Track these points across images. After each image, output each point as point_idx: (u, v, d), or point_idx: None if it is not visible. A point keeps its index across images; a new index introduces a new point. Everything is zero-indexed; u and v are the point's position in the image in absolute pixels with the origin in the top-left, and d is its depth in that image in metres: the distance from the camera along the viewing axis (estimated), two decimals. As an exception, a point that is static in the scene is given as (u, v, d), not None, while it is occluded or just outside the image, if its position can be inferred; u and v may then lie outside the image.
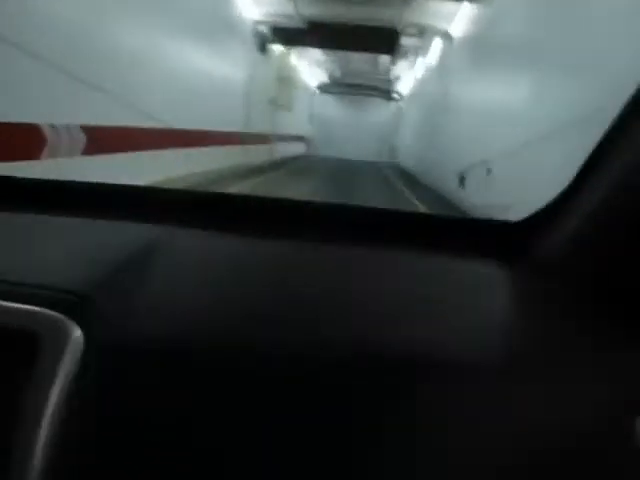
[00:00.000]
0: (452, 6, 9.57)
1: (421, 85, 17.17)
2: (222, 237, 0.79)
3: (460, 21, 10.09)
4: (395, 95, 24.19)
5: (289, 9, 11.36)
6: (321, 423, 0.54)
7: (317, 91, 24.68)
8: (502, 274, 0.74)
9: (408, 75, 19.40)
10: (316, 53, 18.01)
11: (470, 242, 0.78)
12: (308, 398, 0.55)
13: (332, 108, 25.63)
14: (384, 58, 17.53)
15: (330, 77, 23.10)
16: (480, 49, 8.81)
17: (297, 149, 20.82)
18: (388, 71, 19.92)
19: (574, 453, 0.52)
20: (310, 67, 20.74)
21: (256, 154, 12.96)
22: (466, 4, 9.15)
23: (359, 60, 18.61)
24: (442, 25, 10.94)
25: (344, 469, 0.54)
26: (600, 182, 0.62)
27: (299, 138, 21.65)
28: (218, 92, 9.64)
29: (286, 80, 16.99)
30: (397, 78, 21.33)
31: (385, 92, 24.10)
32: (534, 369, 0.56)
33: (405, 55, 15.46)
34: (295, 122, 20.05)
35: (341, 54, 17.73)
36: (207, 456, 0.53)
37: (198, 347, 0.57)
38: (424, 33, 12.10)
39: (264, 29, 12.55)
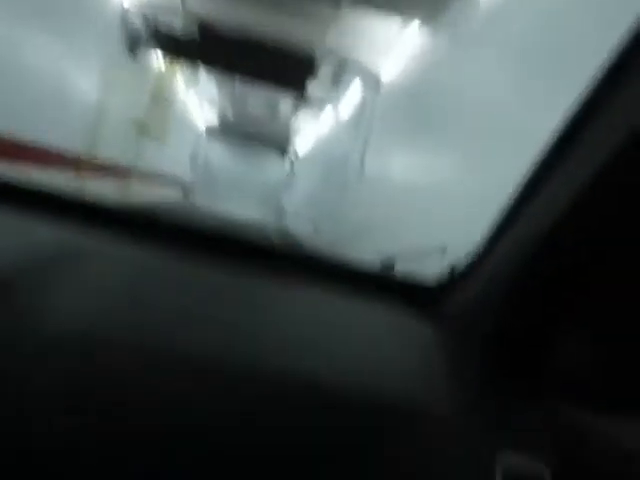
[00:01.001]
0: (391, 32, 7.15)
1: (327, 143, 14.81)
2: (148, 251, 0.87)
3: (397, 57, 7.71)
4: (292, 152, 21.82)
5: (174, 1, 8.37)
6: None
7: (204, 133, 21.61)
8: (413, 326, 0.85)
9: (311, 129, 17.10)
10: (209, 88, 15.25)
11: (387, 293, 0.93)
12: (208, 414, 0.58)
13: (220, 155, 22.69)
14: (285, 106, 15.20)
15: (221, 121, 20.21)
16: (427, 103, 6.31)
17: (169, 193, 17.32)
18: (288, 123, 17.56)
19: None
20: (200, 103, 17.81)
21: (98, 190, 9.38)
22: (413, 29, 6.73)
23: (256, 104, 16.12)
24: (370, 60, 8.52)
25: None
26: (502, 248, 0.73)
27: (175, 181, 18.19)
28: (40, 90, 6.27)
29: (165, 104, 13.60)
30: (297, 131, 18.99)
31: (281, 147, 21.62)
32: (437, 414, 0.63)
33: (311, 105, 13.08)
34: (171, 160, 16.70)
35: (237, 94, 15.13)
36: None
37: (104, 342, 0.63)
38: (341, 73, 9.66)
39: (139, 25, 9.37)
